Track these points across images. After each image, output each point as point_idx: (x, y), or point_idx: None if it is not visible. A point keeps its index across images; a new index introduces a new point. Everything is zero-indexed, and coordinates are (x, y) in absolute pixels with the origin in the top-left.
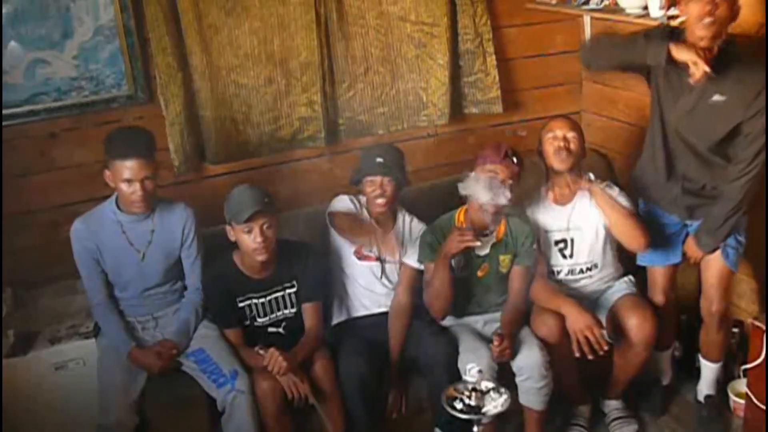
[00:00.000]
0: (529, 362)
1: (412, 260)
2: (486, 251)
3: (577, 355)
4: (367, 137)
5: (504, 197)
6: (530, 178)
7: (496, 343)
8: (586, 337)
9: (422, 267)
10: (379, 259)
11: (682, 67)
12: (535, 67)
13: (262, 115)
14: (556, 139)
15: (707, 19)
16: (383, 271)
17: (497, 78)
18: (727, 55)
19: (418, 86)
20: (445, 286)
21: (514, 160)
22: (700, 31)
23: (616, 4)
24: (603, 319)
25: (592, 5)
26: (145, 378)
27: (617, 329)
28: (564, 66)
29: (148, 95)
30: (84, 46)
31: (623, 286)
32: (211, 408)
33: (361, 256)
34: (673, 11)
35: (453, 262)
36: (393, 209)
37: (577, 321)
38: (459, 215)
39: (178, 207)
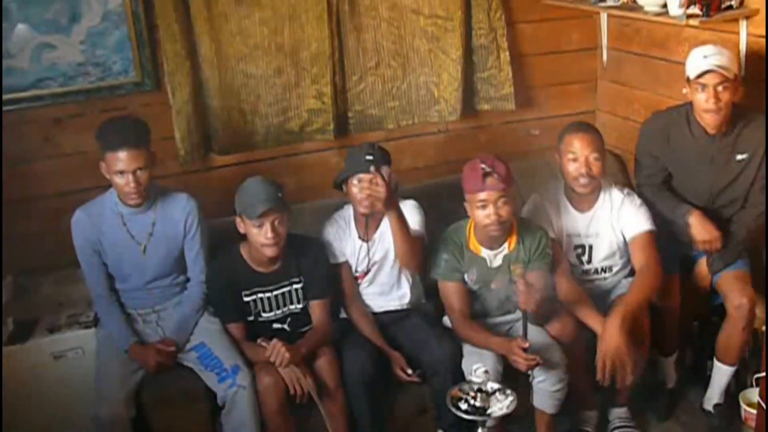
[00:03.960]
0: (546, 364)
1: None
2: (499, 263)
3: (599, 379)
4: (377, 131)
5: (502, 224)
6: (545, 173)
7: (525, 348)
8: (613, 365)
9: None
10: (368, 271)
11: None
12: (549, 64)
13: (270, 106)
14: (576, 161)
15: (711, 106)
16: (374, 278)
17: (511, 74)
18: (737, 117)
19: (429, 81)
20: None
21: (496, 175)
22: (706, 118)
23: (634, 1)
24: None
25: (609, 2)
26: (143, 371)
27: None
28: (579, 64)
29: (156, 83)
30: (91, 31)
31: (625, 284)
32: (211, 402)
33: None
34: (692, 10)
35: (467, 276)
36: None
37: (608, 345)
38: (469, 231)
39: (180, 198)
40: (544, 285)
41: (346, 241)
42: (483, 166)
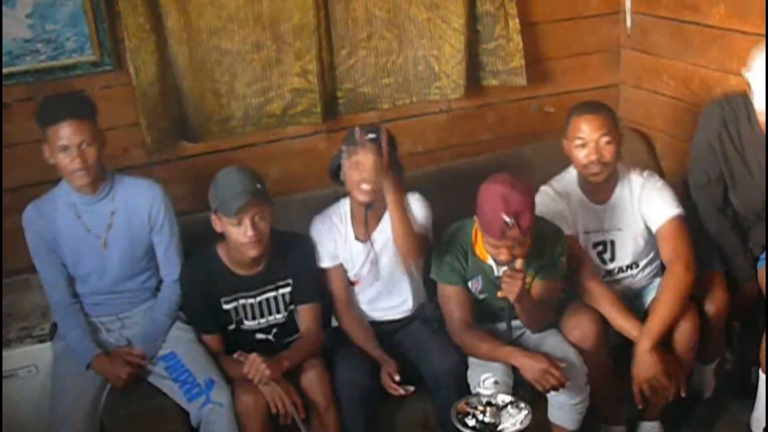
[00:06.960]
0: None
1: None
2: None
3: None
4: (370, 112)
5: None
6: (562, 158)
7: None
8: (650, 391)
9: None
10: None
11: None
12: (565, 33)
13: (248, 86)
14: (585, 147)
15: None
16: (373, 281)
17: (521, 45)
18: None
19: (429, 54)
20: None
21: (518, 228)
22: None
23: None
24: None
25: None
26: (108, 387)
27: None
28: (599, 31)
29: (117, 61)
30: (40, 2)
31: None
32: (185, 422)
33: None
34: None
35: (471, 284)
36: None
37: (643, 372)
38: (476, 234)
39: (143, 184)
40: (551, 297)
41: (340, 242)
42: (506, 219)
